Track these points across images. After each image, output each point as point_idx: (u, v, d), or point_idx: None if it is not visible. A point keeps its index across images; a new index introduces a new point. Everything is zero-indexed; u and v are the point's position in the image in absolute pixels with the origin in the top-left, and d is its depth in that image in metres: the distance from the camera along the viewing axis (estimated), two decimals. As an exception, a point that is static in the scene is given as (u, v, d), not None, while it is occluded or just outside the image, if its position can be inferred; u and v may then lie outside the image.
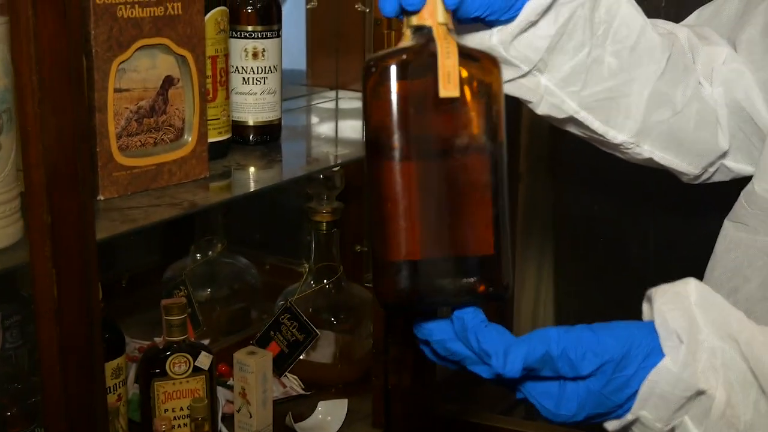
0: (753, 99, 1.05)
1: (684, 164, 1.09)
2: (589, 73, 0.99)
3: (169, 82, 1.16)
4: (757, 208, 0.99)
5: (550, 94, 1.01)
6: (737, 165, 1.11)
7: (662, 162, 1.08)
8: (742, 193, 1.01)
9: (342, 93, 1.71)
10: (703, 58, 1.08)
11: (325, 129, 1.61)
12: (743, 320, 0.78)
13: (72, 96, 0.89)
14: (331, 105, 1.70)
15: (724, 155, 1.10)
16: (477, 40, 0.95)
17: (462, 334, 0.78)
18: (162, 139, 1.16)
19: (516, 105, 1.05)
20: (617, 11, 0.99)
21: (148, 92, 1.14)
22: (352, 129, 1.56)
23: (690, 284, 0.78)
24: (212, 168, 1.25)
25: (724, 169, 1.12)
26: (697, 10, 1.16)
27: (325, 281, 1.60)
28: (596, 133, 1.04)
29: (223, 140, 1.30)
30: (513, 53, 0.95)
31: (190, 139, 1.19)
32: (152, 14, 1.11)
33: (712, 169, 1.11)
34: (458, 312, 0.78)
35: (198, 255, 1.67)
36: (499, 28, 0.93)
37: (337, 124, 1.62)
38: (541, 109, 1.02)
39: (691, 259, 1.09)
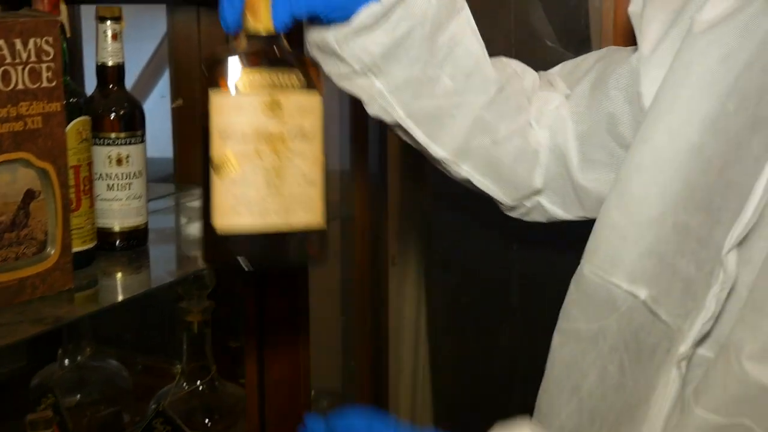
0: (569, 149, 1.11)
1: (500, 192, 1.14)
2: (422, 87, 1.05)
3: (30, 195, 1.14)
4: (584, 293, 1.01)
5: (381, 97, 1.05)
6: (552, 207, 1.16)
7: (479, 185, 1.13)
8: (572, 279, 1.03)
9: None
10: (538, 102, 1.13)
11: (193, 229, 1.60)
12: None
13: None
14: (198, 203, 1.69)
15: (538, 192, 1.15)
16: (315, 34, 1.01)
17: None
18: (24, 253, 1.15)
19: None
20: (461, 40, 1.04)
21: (8, 207, 1.12)
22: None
23: (524, 428, 0.82)
24: (78, 278, 1.23)
25: (540, 207, 1.17)
26: (563, 62, 1.22)
27: (198, 382, 1.58)
28: (420, 144, 1.09)
29: (88, 249, 1.29)
30: (347, 52, 1.00)
31: (53, 251, 1.17)
32: (11, 129, 1.11)
33: (528, 204, 1.17)
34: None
35: (66, 360, 1.63)
36: (336, 26, 0.98)
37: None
38: (371, 110, 1.07)
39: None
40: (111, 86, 1.35)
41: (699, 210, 0.87)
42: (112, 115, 1.35)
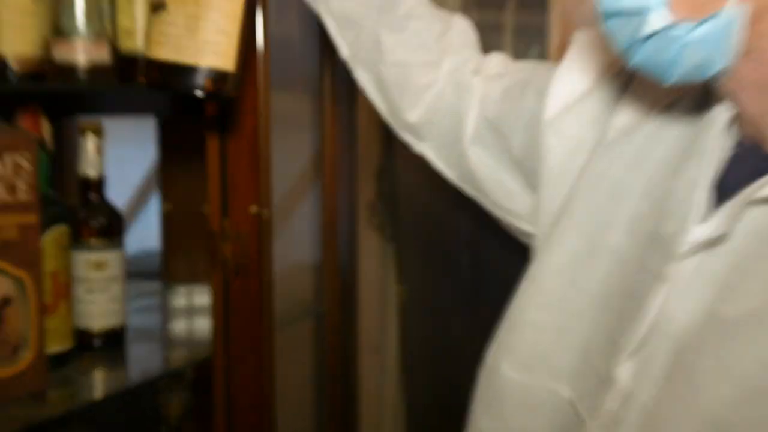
0: (468, 117, 1.10)
1: (384, 111, 1.20)
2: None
3: (4, 302, 1.08)
4: (499, 391, 0.95)
5: None
6: (437, 160, 1.17)
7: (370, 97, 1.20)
8: (482, 376, 0.97)
9: (193, 288, 1.65)
10: (471, 61, 1.14)
11: (176, 327, 1.54)
12: None
13: None
14: (180, 302, 1.63)
15: (411, 128, 1.17)
16: None
17: None
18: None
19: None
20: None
21: (-17, 314, 1.06)
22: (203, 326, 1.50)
23: None
24: (55, 377, 1.17)
25: (429, 154, 1.18)
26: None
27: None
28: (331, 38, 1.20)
29: (65, 350, 1.23)
30: None
31: (26, 354, 1.10)
32: (-13, 240, 1.05)
33: (417, 148, 1.19)
34: None
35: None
36: None
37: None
38: None
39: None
40: (92, 196, 1.31)
41: (614, 312, 0.83)
42: (92, 224, 1.30)
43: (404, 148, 1.19)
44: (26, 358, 1.10)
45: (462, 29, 1.17)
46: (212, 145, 1.27)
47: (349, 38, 1.16)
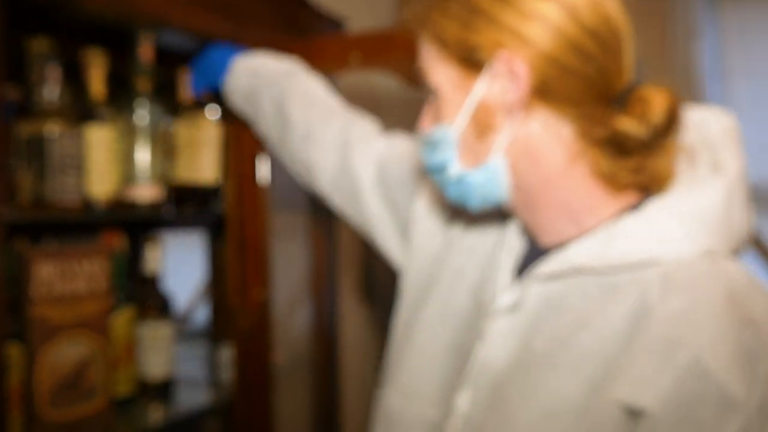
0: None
1: None
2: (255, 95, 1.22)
3: (85, 362, 1.15)
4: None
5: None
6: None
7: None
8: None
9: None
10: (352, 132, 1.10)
11: (218, 377, 1.55)
12: None
13: None
14: (221, 358, 1.66)
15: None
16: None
17: None
18: (79, 399, 1.14)
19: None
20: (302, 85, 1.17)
21: (69, 369, 1.12)
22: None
23: None
24: (119, 416, 1.22)
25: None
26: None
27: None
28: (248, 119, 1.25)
29: (129, 395, 1.28)
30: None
31: (99, 399, 1.16)
32: (73, 318, 1.13)
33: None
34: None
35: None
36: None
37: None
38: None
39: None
40: (153, 285, 1.37)
41: (459, 356, 0.82)
42: (151, 306, 1.36)
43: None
44: (99, 400, 1.17)
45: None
46: (232, 250, 1.34)
47: (261, 123, 1.20)
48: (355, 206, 1.06)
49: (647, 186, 0.73)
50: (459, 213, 0.91)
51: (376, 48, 1.23)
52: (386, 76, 1.31)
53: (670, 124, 0.70)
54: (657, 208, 0.70)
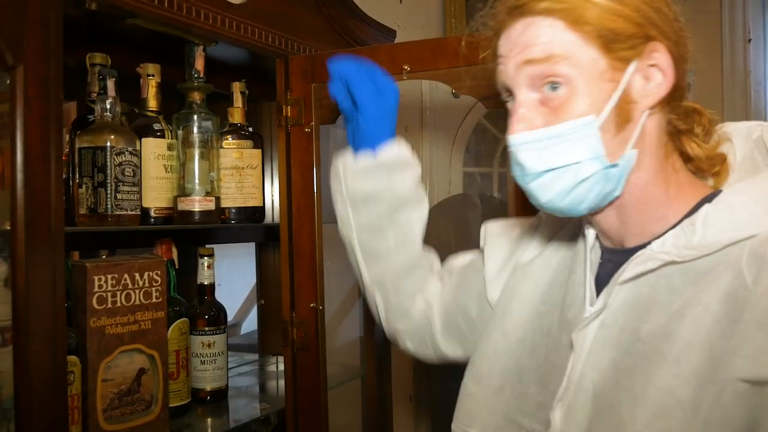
0: (435, 319, 1.01)
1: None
2: (373, 232, 0.98)
3: (141, 372, 1.15)
4: None
5: (348, 225, 0.99)
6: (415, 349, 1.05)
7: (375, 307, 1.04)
8: None
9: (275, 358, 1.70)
10: (432, 281, 1.03)
11: (268, 387, 1.57)
12: None
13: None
14: (272, 368, 1.68)
15: (398, 332, 1.04)
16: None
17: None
18: (136, 409, 1.15)
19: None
20: (412, 223, 0.99)
21: (127, 379, 1.13)
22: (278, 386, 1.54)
23: None
24: (175, 425, 1.22)
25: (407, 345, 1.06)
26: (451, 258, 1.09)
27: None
28: (356, 262, 1.01)
29: (184, 403, 1.28)
30: (347, 182, 0.96)
31: (155, 408, 1.17)
32: (130, 330, 1.14)
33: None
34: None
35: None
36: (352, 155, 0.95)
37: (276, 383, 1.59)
38: (340, 227, 1.01)
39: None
40: (206, 297, 1.37)
41: (533, 383, 0.82)
42: (204, 316, 1.36)
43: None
44: (156, 410, 1.17)
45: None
46: (284, 262, 1.33)
47: (372, 269, 1.00)
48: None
49: (713, 176, 0.78)
50: (517, 256, 0.91)
51: (426, 57, 1.21)
52: (435, 83, 1.29)
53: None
54: (731, 193, 0.72)
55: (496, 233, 0.97)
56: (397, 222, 0.97)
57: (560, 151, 0.70)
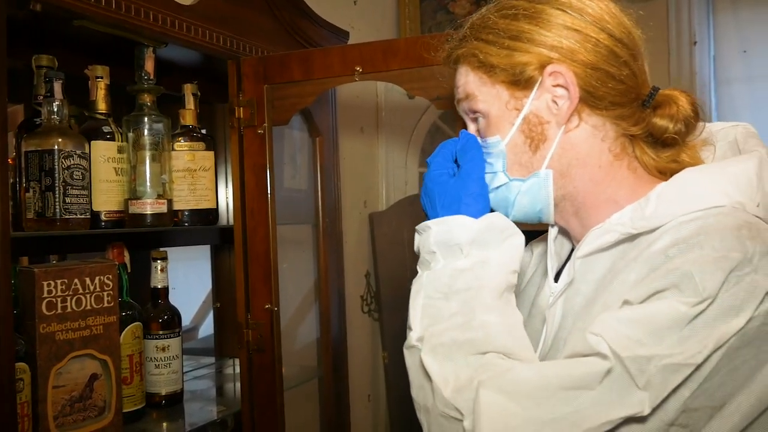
0: None
1: None
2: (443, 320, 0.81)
3: (93, 377, 1.14)
4: None
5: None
6: None
7: None
8: None
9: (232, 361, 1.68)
10: None
11: (225, 390, 1.57)
12: None
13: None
14: (228, 371, 1.67)
15: None
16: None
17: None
18: (88, 415, 1.14)
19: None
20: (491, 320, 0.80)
21: (78, 385, 1.12)
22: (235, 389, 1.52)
23: None
24: (129, 430, 1.21)
25: None
26: None
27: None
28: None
29: (138, 408, 1.27)
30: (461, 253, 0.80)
31: (109, 413, 1.16)
32: (81, 335, 1.12)
33: None
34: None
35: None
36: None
37: (234, 386, 1.59)
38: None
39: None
40: (159, 300, 1.37)
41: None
42: (158, 321, 1.35)
43: (382, 257, 1.10)
44: (109, 416, 1.16)
45: None
46: (239, 264, 1.33)
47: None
48: None
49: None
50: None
51: (377, 58, 1.23)
52: (391, 84, 1.30)
53: (696, 116, 0.79)
54: (686, 170, 0.76)
55: None
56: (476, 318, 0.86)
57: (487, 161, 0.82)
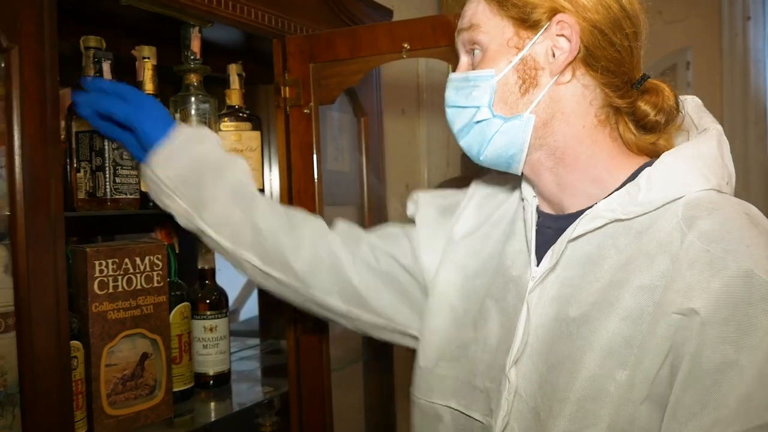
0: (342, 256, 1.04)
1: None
2: (208, 202, 1.00)
3: (144, 356, 1.15)
4: (419, 413, 0.96)
5: (186, 212, 1.02)
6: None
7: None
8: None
9: (282, 343, 1.70)
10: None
11: (271, 371, 1.57)
12: None
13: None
14: (274, 353, 1.68)
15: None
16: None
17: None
18: (140, 394, 1.15)
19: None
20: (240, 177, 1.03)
21: (130, 364, 1.13)
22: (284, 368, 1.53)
23: None
24: (179, 409, 1.22)
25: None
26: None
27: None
28: (214, 243, 1.03)
29: (187, 388, 1.28)
30: (158, 172, 1.00)
31: (159, 392, 1.17)
32: (132, 314, 1.13)
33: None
34: None
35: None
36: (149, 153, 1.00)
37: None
38: (180, 222, 1.04)
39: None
40: (206, 281, 1.37)
41: (480, 347, 0.88)
42: (205, 301, 1.36)
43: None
44: (159, 395, 1.17)
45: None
46: None
47: (226, 234, 1.02)
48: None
49: (656, 155, 0.82)
50: (453, 229, 0.97)
51: (426, 35, 1.20)
52: (432, 64, 1.28)
53: (677, 110, 0.82)
54: (668, 155, 0.79)
55: (427, 203, 1.03)
56: (225, 184, 1.01)
57: (467, 93, 0.82)
